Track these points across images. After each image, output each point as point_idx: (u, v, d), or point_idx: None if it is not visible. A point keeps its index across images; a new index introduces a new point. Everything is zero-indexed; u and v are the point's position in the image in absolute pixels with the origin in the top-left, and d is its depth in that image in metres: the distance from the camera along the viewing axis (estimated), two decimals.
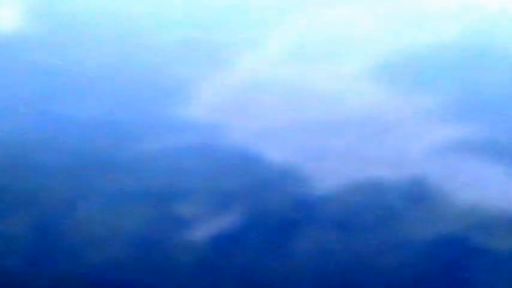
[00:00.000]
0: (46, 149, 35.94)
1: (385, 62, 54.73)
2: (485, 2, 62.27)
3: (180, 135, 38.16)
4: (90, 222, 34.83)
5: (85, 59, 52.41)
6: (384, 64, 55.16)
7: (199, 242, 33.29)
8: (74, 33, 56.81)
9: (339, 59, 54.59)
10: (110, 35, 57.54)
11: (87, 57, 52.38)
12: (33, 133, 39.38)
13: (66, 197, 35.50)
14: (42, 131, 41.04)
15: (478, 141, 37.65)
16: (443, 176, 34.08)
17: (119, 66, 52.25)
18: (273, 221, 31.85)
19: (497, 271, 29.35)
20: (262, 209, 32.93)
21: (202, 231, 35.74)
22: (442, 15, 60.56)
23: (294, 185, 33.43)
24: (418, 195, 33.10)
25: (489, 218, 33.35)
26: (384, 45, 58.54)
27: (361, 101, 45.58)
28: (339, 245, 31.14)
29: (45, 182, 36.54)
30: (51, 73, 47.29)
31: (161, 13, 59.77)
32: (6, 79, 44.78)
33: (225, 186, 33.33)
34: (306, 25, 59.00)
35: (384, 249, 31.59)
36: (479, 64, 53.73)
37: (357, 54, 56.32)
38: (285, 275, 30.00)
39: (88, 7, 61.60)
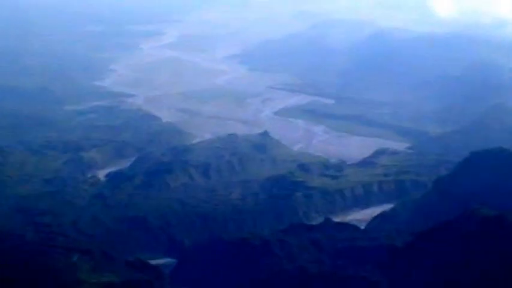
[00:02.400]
0: (12, 131, 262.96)
1: (246, 50, 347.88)
2: (317, 10, 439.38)
3: (95, 100, 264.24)
4: (22, 163, 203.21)
5: (25, 43, 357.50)
6: (245, 51, 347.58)
7: (103, 180, 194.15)
8: (17, 25, 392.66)
9: (213, 47, 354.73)
10: (43, 27, 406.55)
11: (27, 42, 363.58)
12: None
13: (5, 144, 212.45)
14: None
15: (309, 108, 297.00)
16: (282, 132, 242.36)
17: (51, 49, 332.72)
18: (156, 162, 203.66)
19: (312, 198, 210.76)
20: (149, 153, 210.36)
21: (104, 170, 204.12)
22: (286, 17, 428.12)
23: (175, 136, 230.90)
24: (264, 145, 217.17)
25: (310, 161, 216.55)
26: (245, 39, 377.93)
27: (228, 77, 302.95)
28: (203, 180, 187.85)
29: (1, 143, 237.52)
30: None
31: (83, 12, 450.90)
32: None
33: (124, 138, 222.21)
34: (192, 23, 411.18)
35: (235, 183, 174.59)
36: (313, 51, 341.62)
37: (226, 45, 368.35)
38: (162, 203, 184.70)
39: (30, 6, 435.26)
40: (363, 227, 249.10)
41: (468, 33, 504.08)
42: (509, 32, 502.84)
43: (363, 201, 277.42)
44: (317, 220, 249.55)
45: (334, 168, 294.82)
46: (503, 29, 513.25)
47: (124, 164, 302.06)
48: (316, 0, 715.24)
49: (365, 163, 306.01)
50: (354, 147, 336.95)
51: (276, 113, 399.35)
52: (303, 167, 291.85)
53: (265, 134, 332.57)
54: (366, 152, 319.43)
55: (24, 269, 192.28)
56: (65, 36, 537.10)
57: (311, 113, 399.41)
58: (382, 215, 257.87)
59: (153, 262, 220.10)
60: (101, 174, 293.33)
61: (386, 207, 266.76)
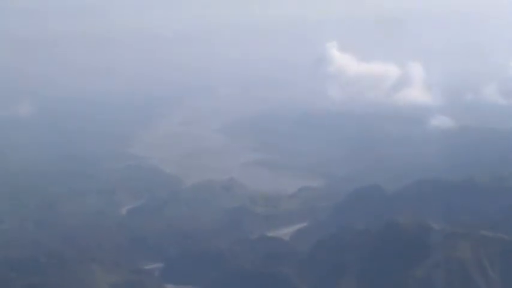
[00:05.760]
0: (54, 173, 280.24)
1: (225, 124, 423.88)
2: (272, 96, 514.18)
3: (125, 161, 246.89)
4: (73, 203, 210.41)
5: (83, 131, 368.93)
6: (225, 125, 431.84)
7: (124, 213, 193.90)
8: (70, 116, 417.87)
9: (205, 123, 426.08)
10: (98, 119, 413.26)
11: (84, 131, 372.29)
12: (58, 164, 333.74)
13: (62, 191, 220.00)
14: (55, 165, 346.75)
15: (261, 161, 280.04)
16: (245, 176, 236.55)
17: (99, 130, 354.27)
18: (160, 200, 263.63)
19: (255, 220, 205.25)
20: (156, 195, 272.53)
21: (126, 207, 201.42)
22: (248, 104, 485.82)
23: (174, 183, 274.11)
24: (230, 186, 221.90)
25: (258, 196, 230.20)
26: (225, 117, 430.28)
27: (212, 142, 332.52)
28: (188, 210, 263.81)
29: (56, 189, 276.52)
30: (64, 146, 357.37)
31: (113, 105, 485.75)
32: None
33: (139, 185, 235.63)
34: (193, 107, 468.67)
35: (208, 212, 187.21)
36: (267, 125, 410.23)
37: (213, 121, 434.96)
38: (158, 226, 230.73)
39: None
40: (287, 238, 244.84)
41: (353, 109, 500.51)
42: (376, 108, 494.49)
43: (289, 221, 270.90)
44: (257, 235, 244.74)
45: (272, 200, 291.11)
46: (373, 106, 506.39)
47: (140, 203, 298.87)
48: (270, 87, 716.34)
49: (292, 196, 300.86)
50: (288, 185, 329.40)
51: (240, 165, 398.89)
52: (252, 200, 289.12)
53: (232, 179, 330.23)
54: (294, 189, 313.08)
55: (60, 274, 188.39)
56: (107, 122, 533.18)
57: (263, 164, 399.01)
58: (299, 230, 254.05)
59: (148, 267, 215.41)
60: (124, 209, 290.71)
61: (304, 224, 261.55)
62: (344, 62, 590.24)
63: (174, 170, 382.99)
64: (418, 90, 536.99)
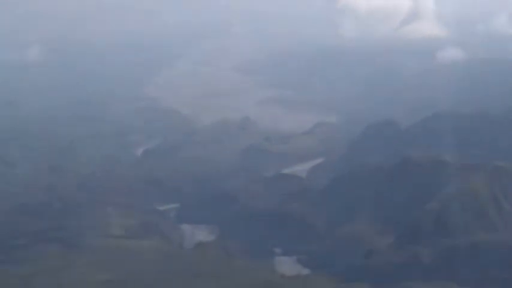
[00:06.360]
0: (66, 117, 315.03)
1: (240, 63, 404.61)
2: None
3: (139, 102, 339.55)
4: (86, 147, 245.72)
5: (88, 72, 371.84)
6: (239, 64, 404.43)
7: (139, 155, 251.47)
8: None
9: (220, 62, 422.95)
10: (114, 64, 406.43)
11: (90, 71, 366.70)
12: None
13: (75, 135, 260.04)
14: (67, 108, 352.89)
15: (276, 98, 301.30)
16: (260, 115, 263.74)
17: (119, 72, 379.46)
18: (173, 142, 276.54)
19: (270, 158, 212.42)
20: (170, 135, 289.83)
21: (140, 149, 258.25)
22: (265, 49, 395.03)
23: (188, 122, 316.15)
24: (245, 125, 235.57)
25: (273, 134, 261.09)
26: (240, 56, 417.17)
27: (227, 80, 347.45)
28: (202, 151, 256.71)
29: (69, 132, 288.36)
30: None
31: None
32: None
33: (154, 126, 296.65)
34: (208, 48, 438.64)
35: (223, 152, 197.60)
36: (280, 64, 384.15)
37: (227, 60, 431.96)
38: (171, 168, 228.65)
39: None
40: (303, 175, 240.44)
41: (365, 44, 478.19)
42: (388, 43, 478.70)
43: (304, 158, 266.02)
44: (272, 173, 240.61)
45: (287, 137, 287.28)
46: (385, 40, 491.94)
47: (154, 144, 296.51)
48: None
49: (308, 132, 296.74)
50: (302, 122, 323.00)
51: (255, 103, 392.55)
52: (267, 138, 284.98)
53: (246, 118, 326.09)
54: (309, 125, 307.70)
55: (74, 218, 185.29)
56: (120, 64, 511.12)
57: (277, 102, 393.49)
58: (315, 167, 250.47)
59: (163, 208, 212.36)
60: (139, 151, 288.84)
61: (320, 160, 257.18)
62: None
63: (188, 111, 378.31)
64: (429, 23, 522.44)
